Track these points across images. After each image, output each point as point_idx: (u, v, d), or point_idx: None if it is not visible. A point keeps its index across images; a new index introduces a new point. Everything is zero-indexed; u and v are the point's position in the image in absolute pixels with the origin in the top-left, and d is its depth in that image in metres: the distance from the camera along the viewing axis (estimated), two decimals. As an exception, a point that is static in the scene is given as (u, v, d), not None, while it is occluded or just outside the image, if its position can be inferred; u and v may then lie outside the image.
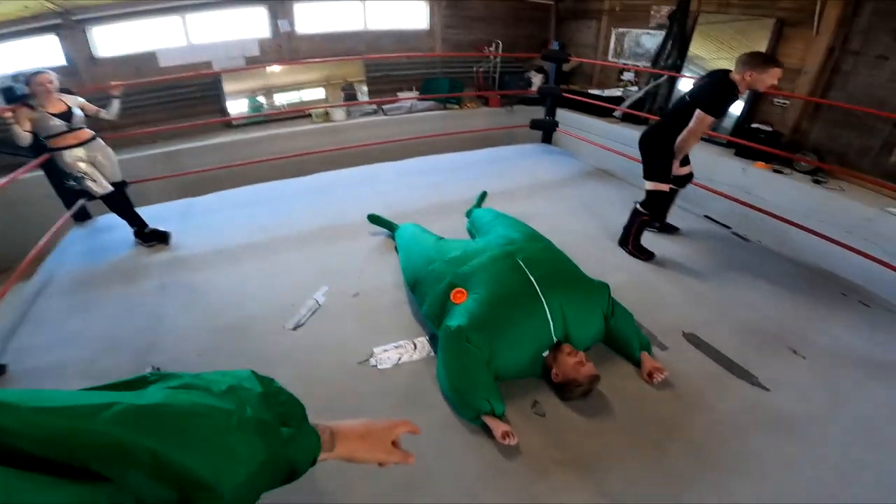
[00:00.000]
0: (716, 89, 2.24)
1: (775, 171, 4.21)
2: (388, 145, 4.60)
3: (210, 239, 2.87)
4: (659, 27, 5.39)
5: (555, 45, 4.26)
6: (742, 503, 1.38)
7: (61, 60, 4.80)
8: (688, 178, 2.76)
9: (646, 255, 2.64)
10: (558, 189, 3.65)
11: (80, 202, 3.05)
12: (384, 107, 6.15)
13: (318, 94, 6.18)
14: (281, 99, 6.01)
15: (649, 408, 1.67)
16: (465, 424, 1.60)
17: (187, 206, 3.35)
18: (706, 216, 3.28)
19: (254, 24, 5.62)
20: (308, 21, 5.85)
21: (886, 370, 1.89)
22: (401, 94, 6.31)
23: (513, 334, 1.64)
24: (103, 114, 2.74)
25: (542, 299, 1.68)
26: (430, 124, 5.97)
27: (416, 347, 1.94)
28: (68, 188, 2.77)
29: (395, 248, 2.57)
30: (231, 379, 0.57)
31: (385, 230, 2.84)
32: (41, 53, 4.72)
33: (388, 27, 6.27)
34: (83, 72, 4.90)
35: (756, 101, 4.62)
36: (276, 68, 5.72)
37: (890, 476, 1.47)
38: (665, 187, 2.55)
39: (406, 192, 3.48)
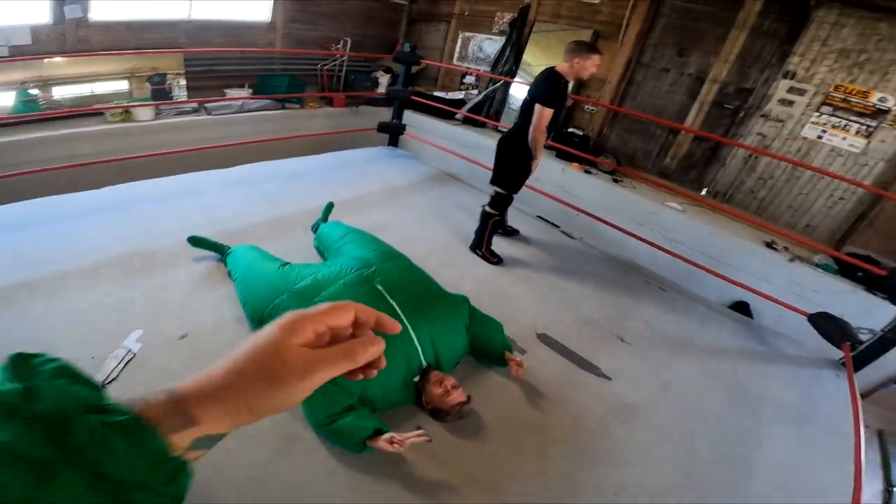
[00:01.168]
0: (547, 82, 2.49)
1: (585, 171, 4.89)
2: (211, 151, 3.95)
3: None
4: (500, 33, 5.83)
5: (406, 47, 4.21)
6: (627, 492, 1.51)
7: None
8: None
9: (496, 259, 2.77)
10: (407, 195, 3.61)
11: None
12: (207, 105, 5.30)
13: (119, 86, 4.99)
14: (63, 92, 4.66)
15: (522, 414, 1.73)
16: (355, 463, 1.44)
17: None
18: (539, 216, 3.62)
19: (30, 8, 4.24)
20: (108, 6, 4.63)
21: (685, 347, 2.31)
22: (230, 92, 5.51)
23: (380, 366, 1.51)
24: None
25: (408, 325, 1.59)
26: (265, 126, 5.35)
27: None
28: None
29: (230, 275, 2.19)
30: None
31: (213, 254, 2.41)
32: None
33: (217, 17, 5.41)
34: None
35: (572, 108, 5.31)
36: (58, 58, 4.42)
37: (718, 444, 1.75)
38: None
39: (236, 206, 2.98)
